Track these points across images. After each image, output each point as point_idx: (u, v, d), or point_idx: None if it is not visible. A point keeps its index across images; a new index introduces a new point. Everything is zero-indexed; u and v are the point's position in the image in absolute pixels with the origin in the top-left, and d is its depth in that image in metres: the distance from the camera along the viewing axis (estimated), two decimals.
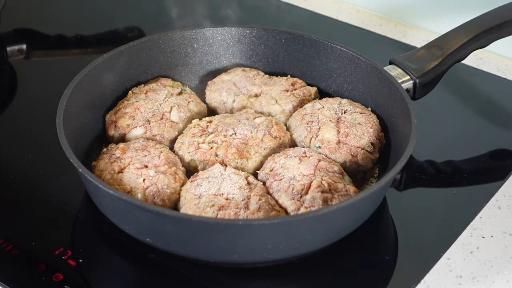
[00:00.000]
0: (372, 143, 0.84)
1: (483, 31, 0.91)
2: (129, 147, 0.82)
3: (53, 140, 0.77)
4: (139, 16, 1.25)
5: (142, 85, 0.93)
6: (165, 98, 0.91)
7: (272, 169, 0.79)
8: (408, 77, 0.88)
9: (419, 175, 0.89)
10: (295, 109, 0.91)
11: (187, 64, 0.98)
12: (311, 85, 0.96)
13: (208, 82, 0.97)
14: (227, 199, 0.74)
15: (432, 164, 0.90)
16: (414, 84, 0.88)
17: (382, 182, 0.71)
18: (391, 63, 0.90)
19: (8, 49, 1.13)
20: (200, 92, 0.97)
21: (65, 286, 0.72)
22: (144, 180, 0.77)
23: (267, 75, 0.97)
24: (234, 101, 0.93)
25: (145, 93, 0.91)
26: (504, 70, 1.10)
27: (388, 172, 0.72)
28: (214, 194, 0.75)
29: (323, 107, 0.88)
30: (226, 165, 0.80)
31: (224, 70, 0.99)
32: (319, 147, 0.84)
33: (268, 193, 0.77)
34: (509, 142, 0.95)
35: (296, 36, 0.97)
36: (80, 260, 0.75)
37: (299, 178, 0.77)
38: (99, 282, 0.75)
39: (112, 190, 0.70)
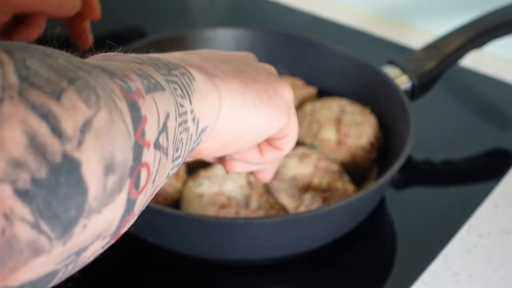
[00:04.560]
0: (371, 143, 0.85)
1: (480, 33, 0.92)
2: None
3: None
4: (140, 17, 1.25)
5: None
6: None
7: None
8: (406, 77, 0.89)
9: (417, 174, 0.89)
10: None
11: None
12: (311, 86, 0.96)
13: None
14: (228, 198, 0.75)
15: (429, 163, 0.91)
16: (412, 84, 0.89)
17: (381, 181, 0.72)
18: (389, 63, 0.91)
19: None
20: None
21: (69, 284, 0.73)
22: None
23: None
24: None
25: None
26: (501, 71, 1.11)
27: (387, 171, 0.73)
28: (215, 193, 0.76)
29: (323, 107, 0.89)
30: None
31: None
32: (319, 146, 0.84)
33: (268, 192, 0.78)
34: (505, 142, 0.96)
35: (296, 37, 0.97)
36: None
37: (299, 177, 0.78)
38: (101, 281, 0.76)
39: None
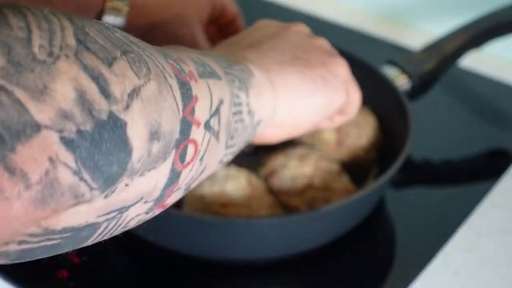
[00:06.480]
0: (371, 143, 0.85)
1: (480, 33, 0.92)
2: None
3: None
4: None
5: None
6: None
7: (273, 169, 0.80)
8: (406, 78, 0.89)
9: (416, 174, 0.90)
10: None
11: None
12: None
13: None
14: (229, 198, 0.75)
15: (429, 163, 0.91)
16: (412, 85, 0.89)
17: (381, 180, 0.73)
18: (389, 64, 0.91)
19: None
20: None
21: (70, 283, 0.73)
22: None
23: None
24: None
25: None
26: (501, 71, 1.11)
27: (386, 171, 0.73)
28: (216, 193, 0.76)
29: None
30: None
31: None
32: (319, 146, 0.84)
33: (269, 192, 0.78)
34: (504, 142, 0.96)
35: None
36: (84, 258, 0.76)
37: (299, 177, 0.78)
38: (103, 280, 0.76)
39: None
